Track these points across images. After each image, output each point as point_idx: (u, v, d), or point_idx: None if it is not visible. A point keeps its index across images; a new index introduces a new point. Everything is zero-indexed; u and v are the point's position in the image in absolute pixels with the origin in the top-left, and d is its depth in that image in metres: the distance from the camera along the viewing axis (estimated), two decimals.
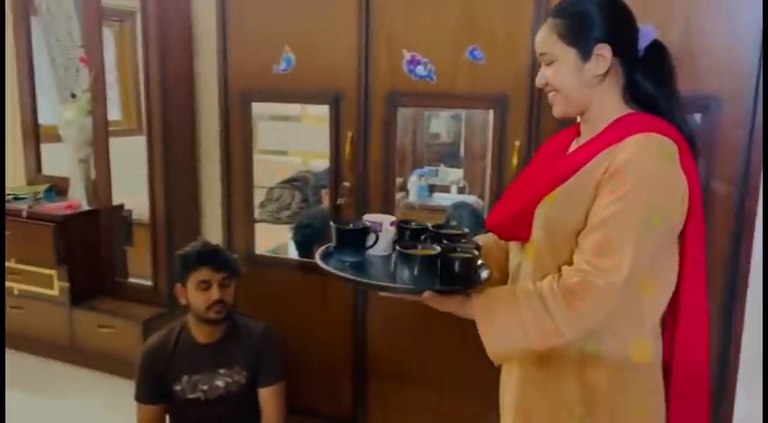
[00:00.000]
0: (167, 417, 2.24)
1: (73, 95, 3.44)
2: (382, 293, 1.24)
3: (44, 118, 3.63)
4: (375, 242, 1.38)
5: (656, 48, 1.25)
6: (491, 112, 2.13)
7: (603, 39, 1.21)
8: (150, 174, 3.10)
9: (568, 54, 1.23)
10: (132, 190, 3.31)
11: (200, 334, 2.20)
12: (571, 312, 1.13)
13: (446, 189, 2.92)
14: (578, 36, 1.22)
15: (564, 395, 1.26)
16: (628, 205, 1.11)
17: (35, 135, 3.62)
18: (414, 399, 2.42)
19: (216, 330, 2.20)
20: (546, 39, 1.26)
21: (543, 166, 1.32)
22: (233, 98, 2.55)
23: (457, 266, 1.21)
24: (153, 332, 2.95)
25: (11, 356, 3.44)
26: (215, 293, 2.12)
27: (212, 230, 3.15)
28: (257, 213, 2.75)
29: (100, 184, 3.34)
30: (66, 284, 3.25)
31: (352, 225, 1.41)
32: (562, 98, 1.27)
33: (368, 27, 2.25)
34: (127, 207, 3.44)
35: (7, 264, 3.38)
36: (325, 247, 1.43)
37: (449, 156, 2.96)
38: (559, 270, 1.18)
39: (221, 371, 2.17)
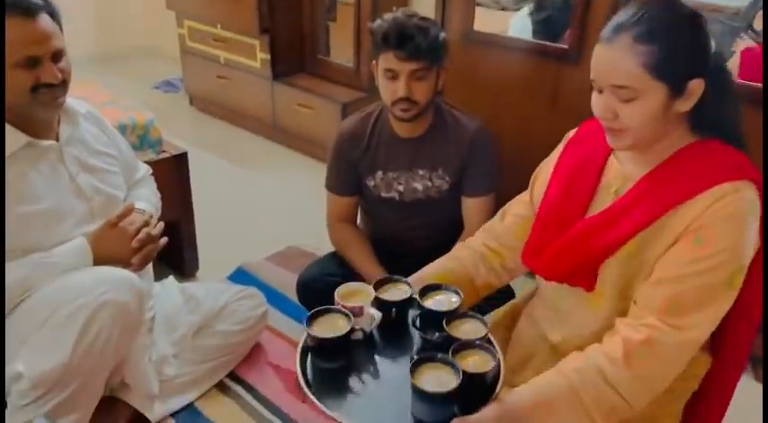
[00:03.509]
0: (359, 213, 2.00)
1: None
2: None
3: None
4: (362, 336, 1.14)
5: (721, 67, 1.06)
6: None
7: (699, 72, 1.01)
8: None
9: (657, 91, 1.00)
10: None
11: (399, 126, 1.83)
12: (636, 378, 1.01)
13: None
14: (673, 69, 1.00)
15: None
16: (711, 266, 1.00)
17: None
18: None
19: (417, 124, 1.81)
20: (627, 69, 1.00)
21: (587, 195, 1.15)
22: None
23: (483, 383, 1.03)
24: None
25: (220, 127, 3.50)
26: (400, 88, 1.65)
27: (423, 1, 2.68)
28: None
29: None
30: (268, 56, 3.08)
31: (333, 311, 1.15)
32: (632, 135, 1.05)
33: None
34: None
35: (213, 30, 3.28)
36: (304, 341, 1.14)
37: None
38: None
39: (420, 172, 1.82)
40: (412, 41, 1.62)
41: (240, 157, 3.15)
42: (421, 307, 1.14)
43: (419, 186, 1.84)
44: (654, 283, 1.03)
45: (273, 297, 1.98)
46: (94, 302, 1.26)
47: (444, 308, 1.13)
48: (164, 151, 2.00)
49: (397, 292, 1.18)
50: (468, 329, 1.10)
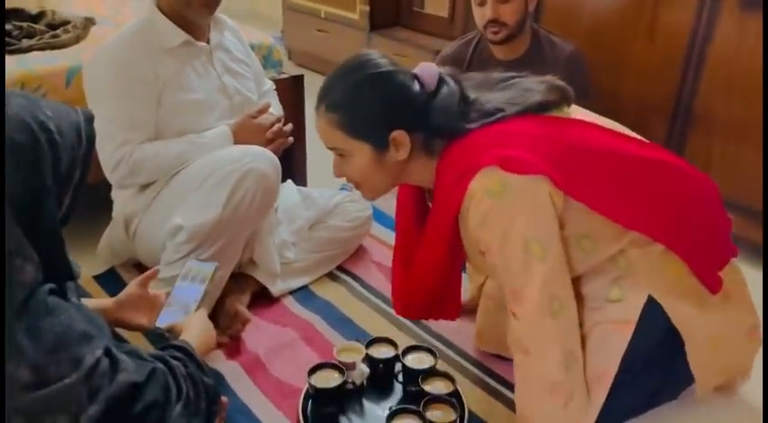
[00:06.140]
0: None
1: None
2: None
3: None
4: (354, 387, 1.37)
5: (443, 84, 1.16)
6: None
7: (395, 125, 1.12)
8: None
9: (361, 149, 1.14)
10: None
11: (496, 49, 1.99)
12: (529, 355, 1.15)
13: None
14: (363, 130, 1.13)
15: None
16: (505, 262, 1.11)
17: None
18: (745, 162, 1.96)
19: (514, 47, 1.96)
20: (329, 133, 1.16)
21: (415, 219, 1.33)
22: None
23: None
24: None
25: (317, 79, 3.71)
26: (488, 11, 1.84)
27: None
28: None
29: None
30: (367, 8, 3.26)
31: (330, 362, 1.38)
32: (368, 188, 1.21)
33: None
34: None
35: None
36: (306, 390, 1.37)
37: None
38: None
39: None
40: None
41: None
42: (403, 364, 1.38)
43: None
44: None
45: (375, 213, 2.16)
46: (242, 168, 1.48)
47: (422, 366, 1.36)
48: (283, 72, 2.22)
49: (385, 350, 1.43)
50: (439, 385, 1.34)
